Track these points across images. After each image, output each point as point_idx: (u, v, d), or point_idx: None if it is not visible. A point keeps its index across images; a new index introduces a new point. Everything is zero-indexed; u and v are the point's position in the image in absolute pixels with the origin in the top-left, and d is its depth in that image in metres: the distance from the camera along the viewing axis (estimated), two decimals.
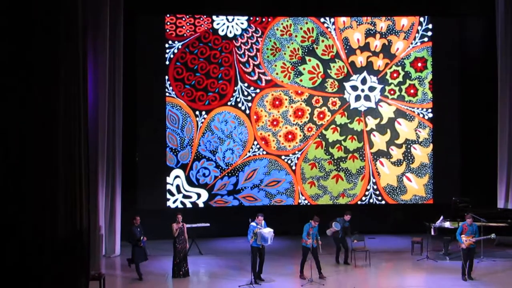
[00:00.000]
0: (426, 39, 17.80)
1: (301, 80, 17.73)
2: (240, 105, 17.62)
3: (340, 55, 17.77)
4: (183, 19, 17.41)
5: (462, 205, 15.64)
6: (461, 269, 13.26)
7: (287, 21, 17.69)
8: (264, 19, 17.65)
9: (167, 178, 17.40)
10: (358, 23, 17.80)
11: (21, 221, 11.10)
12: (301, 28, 17.70)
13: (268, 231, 12.84)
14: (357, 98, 17.82)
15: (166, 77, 17.34)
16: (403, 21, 17.80)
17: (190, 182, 17.49)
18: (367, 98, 17.83)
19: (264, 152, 17.72)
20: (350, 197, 17.89)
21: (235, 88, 17.59)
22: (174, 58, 17.36)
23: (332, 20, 17.75)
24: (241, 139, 17.64)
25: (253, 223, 12.91)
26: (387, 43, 17.80)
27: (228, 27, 17.54)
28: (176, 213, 13.89)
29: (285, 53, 17.68)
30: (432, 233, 15.07)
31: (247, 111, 17.64)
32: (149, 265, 14.75)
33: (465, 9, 17.66)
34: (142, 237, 13.48)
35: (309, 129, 17.79)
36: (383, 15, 17.77)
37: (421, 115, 17.85)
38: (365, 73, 17.82)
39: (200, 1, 17.43)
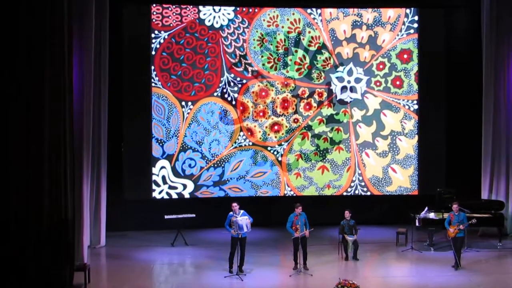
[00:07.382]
0: (412, 31, 17.83)
1: (287, 71, 17.72)
2: (226, 96, 17.57)
3: (327, 46, 17.76)
4: (169, 9, 17.29)
5: (446, 196, 15.73)
6: (454, 259, 13.43)
7: (274, 12, 17.64)
8: (250, 10, 17.59)
9: (153, 169, 17.34)
10: (344, 15, 17.79)
11: (6, 212, 11.08)
12: (287, 19, 17.66)
13: (242, 219, 12.88)
14: (343, 89, 17.84)
15: (152, 67, 17.24)
16: (390, 13, 17.82)
17: (176, 173, 17.44)
18: (353, 89, 17.86)
19: (250, 143, 17.70)
20: (336, 188, 17.94)
21: (222, 79, 17.53)
22: (160, 48, 17.26)
23: (319, 11, 17.72)
24: (227, 130, 17.61)
25: (231, 212, 12.99)
26: (373, 35, 17.81)
27: (214, 17, 17.46)
28: None
29: (271, 44, 17.64)
30: (417, 224, 15.17)
31: (234, 102, 17.60)
32: (135, 255, 14.76)
33: (451, 1, 17.71)
34: None
35: (295, 120, 17.79)
36: (370, 7, 17.77)
37: (406, 107, 17.91)
38: (351, 65, 17.83)
39: None
